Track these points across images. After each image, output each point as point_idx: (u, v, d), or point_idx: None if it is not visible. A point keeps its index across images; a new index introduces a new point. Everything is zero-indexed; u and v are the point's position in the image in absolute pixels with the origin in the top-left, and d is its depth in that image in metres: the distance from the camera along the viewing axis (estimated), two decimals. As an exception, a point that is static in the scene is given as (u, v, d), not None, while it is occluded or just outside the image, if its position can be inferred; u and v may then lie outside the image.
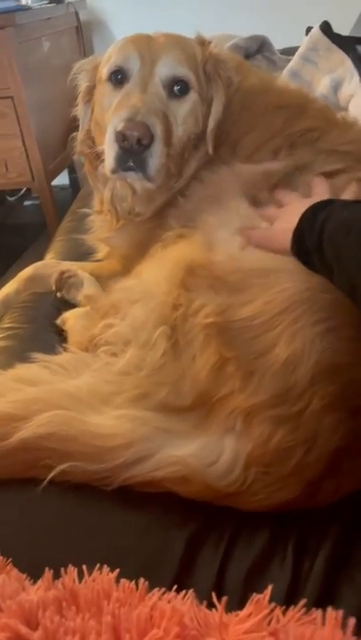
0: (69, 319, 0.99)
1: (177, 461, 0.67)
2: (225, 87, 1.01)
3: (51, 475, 0.68)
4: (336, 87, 1.49)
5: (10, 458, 0.70)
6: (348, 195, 0.85)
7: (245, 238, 0.83)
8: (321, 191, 0.87)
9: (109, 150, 0.92)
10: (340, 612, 0.42)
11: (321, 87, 1.52)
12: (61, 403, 0.71)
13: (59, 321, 1.02)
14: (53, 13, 2.59)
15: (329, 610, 0.43)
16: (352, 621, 0.41)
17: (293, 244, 0.74)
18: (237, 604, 0.52)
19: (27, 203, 3.25)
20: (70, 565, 0.53)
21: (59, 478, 0.68)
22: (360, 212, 0.65)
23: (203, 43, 1.03)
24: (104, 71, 1.00)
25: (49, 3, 2.64)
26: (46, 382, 0.77)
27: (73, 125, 1.13)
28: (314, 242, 0.69)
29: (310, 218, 0.73)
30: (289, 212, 0.81)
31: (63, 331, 1.00)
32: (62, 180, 3.11)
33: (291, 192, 0.90)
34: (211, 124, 1.01)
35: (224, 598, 0.48)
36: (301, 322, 0.67)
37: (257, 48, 1.90)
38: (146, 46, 0.97)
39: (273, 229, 0.82)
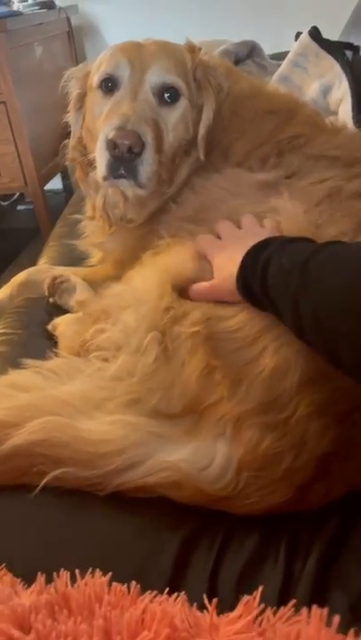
0: (60, 325, 1.00)
1: (169, 466, 0.67)
2: (215, 94, 1.02)
3: (43, 481, 0.68)
4: (326, 92, 1.50)
5: (2, 464, 0.70)
6: (269, 231, 0.81)
7: (190, 294, 0.80)
8: (249, 223, 0.84)
9: (101, 158, 0.93)
10: (325, 610, 0.43)
11: (311, 92, 1.53)
12: (54, 409, 0.72)
13: (50, 327, 1.02)
14: (45, 19, 2.59)
15: (314, 608, 0.44)
16: (337, 619, 0.42)
17: (240, 291, 0.73)
18: (230, 605, 0.52)
19: (20, 207, 3.25)
20: (63, 569, 0.54)
21: (52, 484, 0.68)
22: (297, 256, 0.64)
23: (193, 50, 1.04)
24: (95, 79, 1.00)
25: (40, 8, 2.64)
26: (39, 388, 0.77)
27: (65, 131, 1.14)
28: (259, 289, 0.68)
29: (250, 263, 0.71)
30: (225, 255, 0.78)
31: (54, 336, 1.00)
32: (55, 184, 3.11)
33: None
34: (201, 130, 1.02)
35: (215, 600, 0.49)
36: (284, 338, 0.68)
37: (247, 53, 1.91)
38: (136, 54, 0.98)
39: (216, 282, 0.78)
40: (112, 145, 0.89)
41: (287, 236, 0.74)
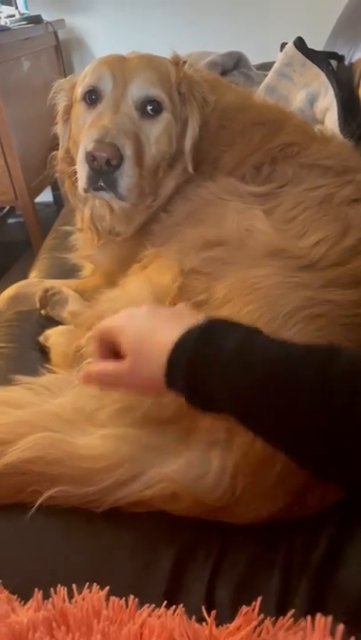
0: (52, 336, 1.00)
1: (165, 478, 0.66)
2: (199, 108, 1.02)
3: (39, 500, 0.67)
4: (312, 101, 1.52)
5: (-3, 483, 0.69)
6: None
7: None
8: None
9: (81, 170, 0.93)
10: (330, 619, 0.43)
11: (297, 101, 1.55)
12: (47, 424, 0.71)
13: (41, 338, 1.02)
14: (32, 33, 2.60)
15: (318, 616, 0.43)
16: (341, 627, 0.42)
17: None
18: (229, 617, 0.52)
19: (10, 221, 3.23)
20: (60, 585, 0.53)
21: (47, 503, 0.67)
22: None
23: (177, 63, 1.04)
24: (79, 91, 1.01)
25: (28, 23, 2.65)
26: (31, 404, 0.76)
27: (55, 143, 1.14)
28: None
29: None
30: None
31: (46, 348, 1.00)
32: (46, 197, 3.11)
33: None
34: (188, 143, 1.02)
35: (213, 612, 0.48)
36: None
37: (233, 64, 1.93)
38: (119, 67, 0.98)
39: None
40: (90, 157, 0.90)
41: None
